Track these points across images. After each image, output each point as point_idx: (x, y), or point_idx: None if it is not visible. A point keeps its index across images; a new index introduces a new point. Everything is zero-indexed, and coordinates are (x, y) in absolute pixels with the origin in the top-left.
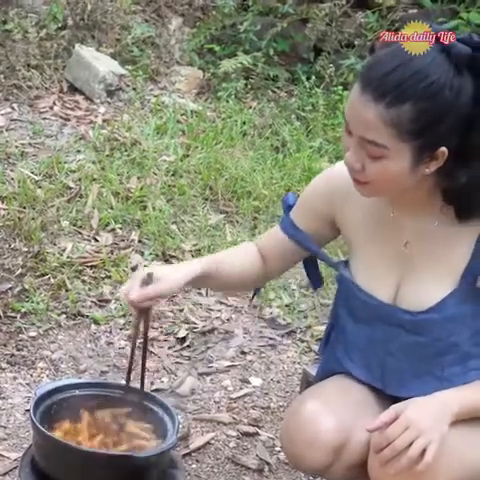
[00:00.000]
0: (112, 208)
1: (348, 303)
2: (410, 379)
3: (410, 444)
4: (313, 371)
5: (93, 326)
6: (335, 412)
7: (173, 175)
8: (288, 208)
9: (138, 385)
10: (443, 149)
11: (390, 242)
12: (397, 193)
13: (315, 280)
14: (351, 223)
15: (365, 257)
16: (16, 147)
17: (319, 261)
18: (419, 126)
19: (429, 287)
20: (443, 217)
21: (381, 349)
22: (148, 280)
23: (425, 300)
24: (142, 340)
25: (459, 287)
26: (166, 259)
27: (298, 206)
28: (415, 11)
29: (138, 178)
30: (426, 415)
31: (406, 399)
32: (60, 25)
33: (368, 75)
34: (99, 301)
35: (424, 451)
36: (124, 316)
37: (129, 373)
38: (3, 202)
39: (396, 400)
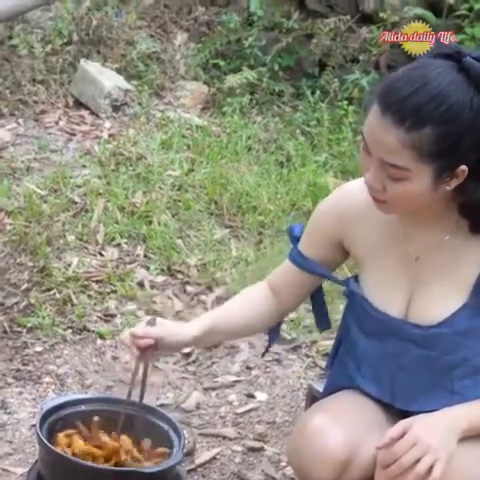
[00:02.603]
0: (117, 223)
1: (358, 318)
2: (420, 393)
3: (417, 461)
4: (318, 386)
5: (99, 341)
6: (343, 427)
7: (178, 190)
8: (295, 239)
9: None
10: (463, 167)
11: (400, 257)
12: (415, 210)
13: (323, 321)
14: (361, 242)
15: (375, 272)
16: (22, 162)
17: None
18: (440, 148)
19: (440, 301)
20: (455, 231)
21: (392, 364)
22: (152, 322)
23: (436, 314)
24: (141, 385)
25: (470, 301)
26: (171, 274)
27: (306, 235)
28: None
29: (143, 193)
30: (434, 432)
31: (415, 413)
32: (65, 40)
33: (387, 99)
34: (105, 316)
35: (431, 468)
36: None
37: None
38: (9, 217)
39: (405, 416)
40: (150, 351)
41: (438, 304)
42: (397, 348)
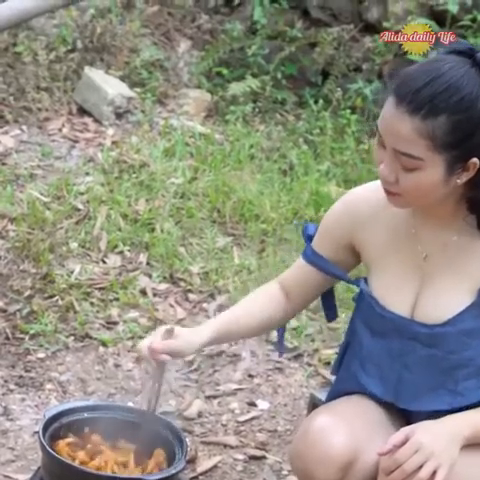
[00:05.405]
0: (120, 230)
1: (366, 317)
2: (424, 393)
3: (420, 467)
4: (320, 395)
5: (101, 348)
6: (347, 428)
7: (181, 197)
8: (309, 238)
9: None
10: (475, 160)
11: (409, 255)
12: (427, 204)
13: (330, 312)
14: (371, 244)
15: (384, 271)
16: (25, 169)
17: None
18: (454, 138)
19: (447, 300)
20: (464, 229)
21: (397, 362)
22: (168, 335)
23: (442, 313)
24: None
25: (477, 300)
26: (174, 281)
27: (319, 236)
28: None
29: (146, 200)
30: (437, 438)
31: (418, 414)
32: (69, 48)
33: (402, 90)
34: (107, 323)
35: (434, 474)
36: (132, 338)
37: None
38: (12, 223)
39: (409, 417)
40: (165, 362)
41: (445, 303)
42: (402, 347)
